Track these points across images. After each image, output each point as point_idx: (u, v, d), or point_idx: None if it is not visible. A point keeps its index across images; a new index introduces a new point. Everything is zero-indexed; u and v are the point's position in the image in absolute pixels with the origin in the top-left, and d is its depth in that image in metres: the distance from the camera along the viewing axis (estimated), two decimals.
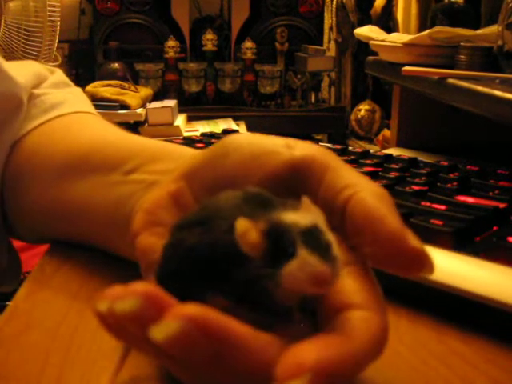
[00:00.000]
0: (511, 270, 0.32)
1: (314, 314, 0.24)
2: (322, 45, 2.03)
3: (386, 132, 1.73)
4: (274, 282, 0.22)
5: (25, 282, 0.37)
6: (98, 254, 0.39)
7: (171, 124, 1.59)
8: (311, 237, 0.22)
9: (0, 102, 0.44)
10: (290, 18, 2.02)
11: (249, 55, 1.97)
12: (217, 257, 0.22)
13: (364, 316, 0.23)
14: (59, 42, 1.64)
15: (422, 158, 0.58)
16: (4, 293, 0.52)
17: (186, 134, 1.50)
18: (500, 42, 0.56)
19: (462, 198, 0.43)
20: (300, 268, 0.21)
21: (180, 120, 1.65)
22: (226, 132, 0.66)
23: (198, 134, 0.92)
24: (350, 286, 0.24)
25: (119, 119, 1.50)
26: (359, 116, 1.93)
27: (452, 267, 0.33)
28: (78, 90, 0.52)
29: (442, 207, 0.40)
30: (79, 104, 0.49)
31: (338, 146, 0.61)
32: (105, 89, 1.62)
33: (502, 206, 0.41)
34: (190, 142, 0.61)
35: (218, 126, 1.71)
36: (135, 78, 1.89)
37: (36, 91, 0.48)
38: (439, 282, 0.32)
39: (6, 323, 0.32)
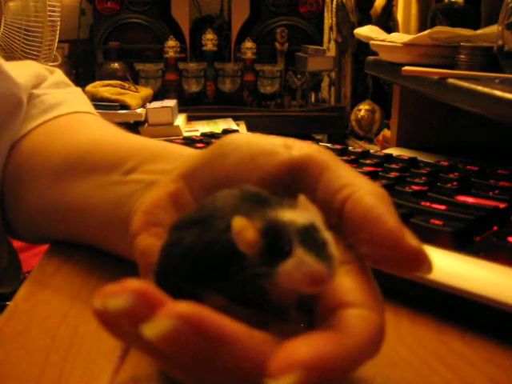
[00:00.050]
0: (511, 269, 0.32)
1: (310, 312, 0.24)
2: (322, 45, 2.03)
3: (386, 132, 1.73)
4: (270, 281, 0.22)
5: (25, 282, 0.37)
6: (98, 254, 0.39)
7: (171, 124, 1.59)
8: (308, 235, 0.22)
9: (0, 103, 0.44)
10: (290, 18, 2.01)
11: (249, 55, 1.96)
12: (214, 256, 0.22)
13: (360, 314, 0.23)
14: (59, 41, 1.64)
15: (421, 157, 0.58)
16: (4, 293, 0.52)
17: (185, 134, 1.50)
18: (500, 42, 0.56)
19: (461, 198, 0.43)
20: (296, 267, 0.21)
21: (180, 120, 1.65)
22: (226, 132, 0.66)
23: (197, 134, 0.92)
24: (347, 284, 0.24)
25: (119, 119, 1.50)
26: (359, 116, 1.93)
27: (452, 267, 0.33)
28: (78, 89, 0.52)
29: (442, 207, 0.40)
30: (79, 104, 0.49)
31: (338, 146, 0.61)
32: (105, 89, 1.62)
33: (501, 206, 0.41)
34: (189, 142, 0.61)
35: (217, 126, 1.71)
36: (135, 78, 1.89)
37: (36, 91, 0.48)
38: (439, 282, 0.32)
39: (5, 323, 0.32)
